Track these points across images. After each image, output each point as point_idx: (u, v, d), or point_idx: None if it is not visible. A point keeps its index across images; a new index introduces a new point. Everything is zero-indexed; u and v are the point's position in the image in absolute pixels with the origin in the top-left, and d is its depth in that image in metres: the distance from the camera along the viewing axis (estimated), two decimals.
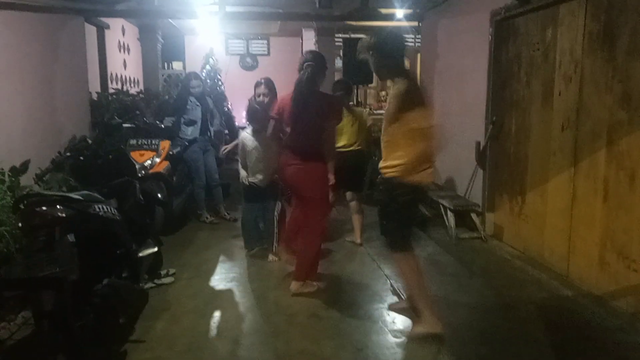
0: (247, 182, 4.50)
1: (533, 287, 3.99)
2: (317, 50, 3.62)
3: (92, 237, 2.81)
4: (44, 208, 2.53)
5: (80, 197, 2.75)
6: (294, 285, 3.78)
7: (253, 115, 4.41)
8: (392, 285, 4.01)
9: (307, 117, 3.60)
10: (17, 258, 3.27)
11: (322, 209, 3.86)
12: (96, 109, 6.57)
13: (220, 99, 9.13)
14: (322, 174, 3.73)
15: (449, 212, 5.34)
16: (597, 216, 3.72)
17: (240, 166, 4.59)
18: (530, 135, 4.60)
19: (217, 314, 3.52)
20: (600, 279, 3.70)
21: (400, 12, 7.41)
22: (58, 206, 2.56)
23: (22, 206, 2.60)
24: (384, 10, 7.39)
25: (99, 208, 2.86)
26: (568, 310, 3.60)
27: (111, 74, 8.30)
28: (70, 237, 2.57)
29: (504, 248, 4.95)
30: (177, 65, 12.14)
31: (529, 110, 4.61)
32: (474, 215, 5.31)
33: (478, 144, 5.32)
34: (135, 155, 5.08)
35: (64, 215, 2.56)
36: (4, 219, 3.51)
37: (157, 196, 4.78)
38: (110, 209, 2.99)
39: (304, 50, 11.16)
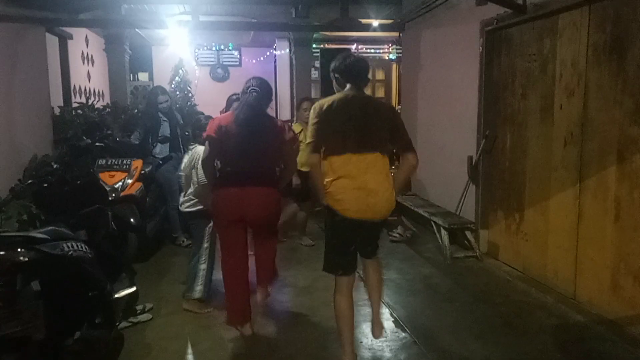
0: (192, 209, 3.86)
1: (541, 312, 3.74)
2: (263, 78, 3.37)
3: (61, 281, 2.41)
4: (1, 252, 2.13)
5: (46, 236, 2.36)
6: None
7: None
8: (392, 315, 3.72)
9: (254, 140, 3.20)
10: None
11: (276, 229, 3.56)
12: (59, 125, 6.06)
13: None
14: (274, 198, 3.33)
15: (442, 231, 5.09)
16: (608, 237, 3.52)
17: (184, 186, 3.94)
18: (528, 149, 4.40)
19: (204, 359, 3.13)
20: (614, 303, 3.49)
21: (380, 23, 7.23)
22: (19, 249, 2.17)
23: None
24: (363, 21, 7.19)
25: (68, 247, 2.45)
26: (584, 338, 3.36)
27: (74, 86, 7.77)
28: (35, 286, 2.18)
29: (501, 267, 4.72)
30: (142, 77, 11.60)
31: (525, 123, 4.42)
32: (468, 233, 5.08)
33: (470, 158, 5.10)
34: (104, 176, 4.65)
35: (26, 259, 2.17)
36: None
37: (130, 221, 4.41)
38: (81, 246, 2.59)
39: (276, 61, 10.96)
